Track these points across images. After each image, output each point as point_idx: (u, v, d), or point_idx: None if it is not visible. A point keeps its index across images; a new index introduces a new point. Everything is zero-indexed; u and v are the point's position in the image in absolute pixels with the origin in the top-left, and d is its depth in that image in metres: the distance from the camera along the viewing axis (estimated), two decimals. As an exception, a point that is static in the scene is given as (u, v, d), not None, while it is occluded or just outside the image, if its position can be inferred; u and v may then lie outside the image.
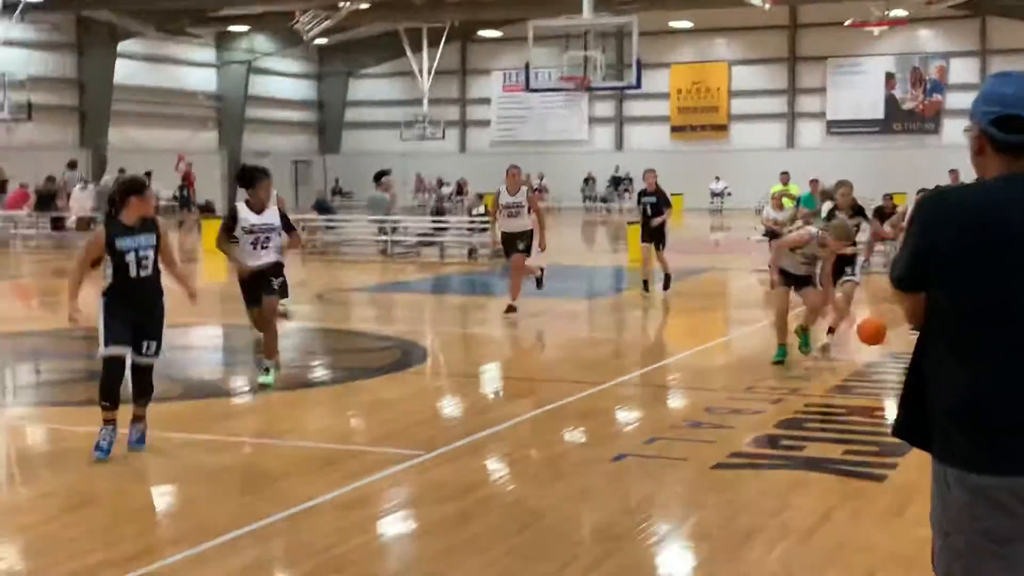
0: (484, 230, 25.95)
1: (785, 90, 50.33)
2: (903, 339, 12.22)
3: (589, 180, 51.10)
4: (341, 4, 38.05)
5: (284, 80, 54.48)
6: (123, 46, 43.44)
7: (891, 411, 3.03)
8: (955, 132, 44.25)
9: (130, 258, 7.39)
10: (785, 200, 21.65)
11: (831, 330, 11.88)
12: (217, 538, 5.93)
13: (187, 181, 42.09)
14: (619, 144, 53.12)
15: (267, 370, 10.19)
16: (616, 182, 50.17)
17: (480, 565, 5.62)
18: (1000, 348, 3.04)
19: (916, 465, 6.73)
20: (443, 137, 49.54)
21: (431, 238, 26.38)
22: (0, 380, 11.78)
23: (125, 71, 43.99)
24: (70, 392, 10.22)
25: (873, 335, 10.25)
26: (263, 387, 10.06)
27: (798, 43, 49.87)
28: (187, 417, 9.13)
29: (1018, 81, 3.12)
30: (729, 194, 47.29)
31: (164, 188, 39.44)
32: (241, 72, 50.52)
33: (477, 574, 5.52)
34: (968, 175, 3.49)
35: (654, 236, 17.24)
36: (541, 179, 52.26)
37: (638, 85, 29.80)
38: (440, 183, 49.85)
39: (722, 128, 51.30)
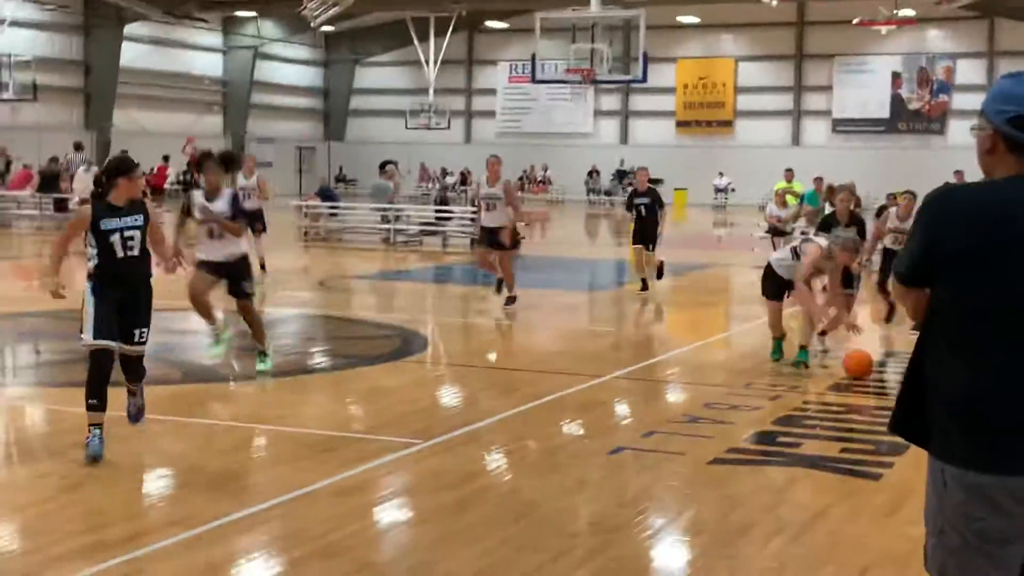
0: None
1: (791, 87, 50.25)
2: (902, 338, 12.28)
3: (593, 173, 51.08)
4: (349, -9, 38.00)
5: (290, 66, 54.43)
6: (130, 29, 43.41)
7: (889, 410, 3.04)
8: (961, 133, 44.20)
9: (115, 239, 7.12)
10: (789, 197, 21.64)
11: (823, 333, 11.81)
12: (211, 522, 5.93)
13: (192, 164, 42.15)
14: (624, 138, 53.07)
15: (262, 355, 10.21)
16: (620, 175, 50.14)
17: (474, 554, 5.62)
18: (1002, 347, 3.04)
19: (912, 464, 6.74)
20: (448, 127, 49.47)
21: (434, 227, 26.37)
22: (0, 360, 11.79)
23: (131, 54, 43.97)
24: (69, 373, 10.21)
25: (858, 366, 10.36)
26: (261, 374, 10.07)
27: (805, 41, 49.77)
28: (184, 401, 9.13)
29: (1033, 81, 3.12)
30: (733, 190, 47.29)
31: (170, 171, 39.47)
32: (247, 57, 50.50)
33: (471, 563, 5.52)
34: (973, 176, 3.48)
35: (648, 237, 16.84)
36: (545, 171, 52.31)
37: (644, 79, 29.76)
38: (444, 173, 49.84)
39: (727, 124, 51.24)
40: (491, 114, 55.16)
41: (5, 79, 35.81)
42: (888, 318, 13.59)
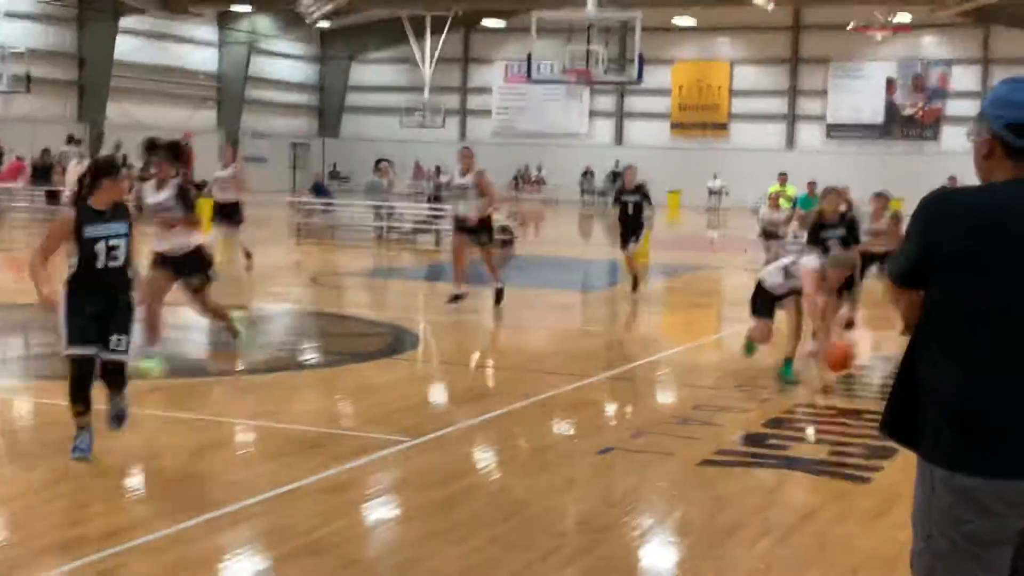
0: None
1: (786, 91, 50.31)
2: (892, 342, 12.28)
3: (587, 173, 51.09)
4: (345, -12, 38.00)
5: (285, 62, 54.37)
6: (125, 22, 43.33)
7: (878, 413, 3.03)
8: (954, 139, 44.30)
9: (99, 247, 6.72)
10: (782, 201, 21.67)
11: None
12: (197, 517, 5.90)
13: (187, 161, 42.00)
14: (619, 139, 53.09)
15: (233, 333, 10.49)
16: (615, 176, 50.06)
17: (462, 552, 5.60)
18: (996, 350, 3.03)
19: (901, 468, 6.73)
20: (443, 125, 49.46)
21: (427, 225, 26.35)
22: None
23: (126, 47, 43.88)
24: (57, 366, 10.15)
25: (839, 361, 10.16)
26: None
27: (801, 45, 49.83)
28: (172, 396, 9.11)
29: (1031, 87, 3.12)
30: (727, 193, 47.32)
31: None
32: (242, 53, 50.42)
33: (458, 561, 5.50)
34: (966, 182, 3.48)
35: (634, 232, 16.81)
36: (540, 171, 52.31)
37: (639, 80, 29.79)
38: (438, 171, 49.83)
39: (722, 127, 51.29)
40: (486, 113, 55.15)
41: (-1, 70, 35.75)
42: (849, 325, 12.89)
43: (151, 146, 9.97)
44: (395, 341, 12.26)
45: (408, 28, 46.67)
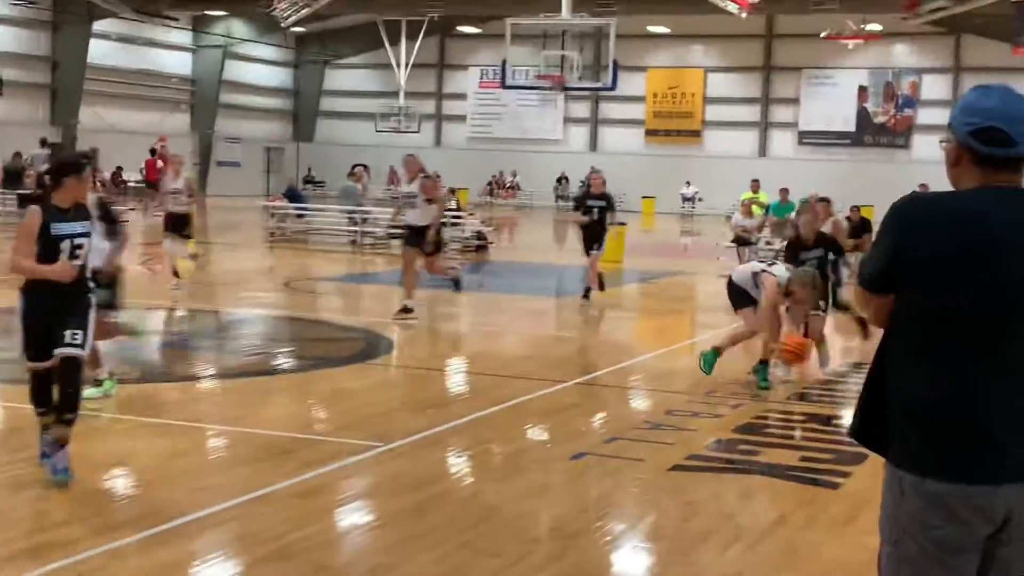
0: (455, 224, 25.99)
1: (759, 99, 50.57)
2: (864, 349, 12.35)
3: (562, 180, 51.14)
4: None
5: (260, 66, 54.20)
6: (98, 26, 43.10)
7: (849, 420, 3.07)
8: (925, 147, 44.65)
9: (64, 246, 6.46)
10: (754, 208, 21.78)
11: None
12: (168, 523, 5.87)
13: (165, 166, 41.78)
14: (593, 145, 53.20)
15: (131, 334, 10.01)
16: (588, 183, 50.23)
17: (433, 558, 5.60)
18: (964, 355, 3.05)
19: (870, 474, 6.78)
20: (418, 131, 49.43)
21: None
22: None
23: (99, 51, 43.65)
24: (20, 370, 10.09)
25: (794, 353, 10.11)
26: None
27: (773, 53, 50.11)
28: (144, 400, 9.05)
29: (999, 94, 3.13)
30: (700, 199, 47.50)
31: (135, 172, 39.22)
32: (217, 56, 50.23)
33: (429, 567, 5.50)
34: (938, 190, 3.50)
35: (597, 239, 16.46)
36: (514, 176, 52.35)
37: (613, 87, 29.86)
38: (436, 176, 49.71)
39: (696, 134, 51.48)
40: (461, 119, 55.16)
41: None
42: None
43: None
44: (368, 346, 12.25)
45: (383, 33, 46.64)
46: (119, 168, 41.64)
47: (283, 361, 11.74)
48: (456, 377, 11.44)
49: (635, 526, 6.42)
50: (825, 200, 16.30)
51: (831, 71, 48.92)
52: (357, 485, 6.99)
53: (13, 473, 6.76)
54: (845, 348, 13.28)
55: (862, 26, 41.07)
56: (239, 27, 50.37)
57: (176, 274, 16.16)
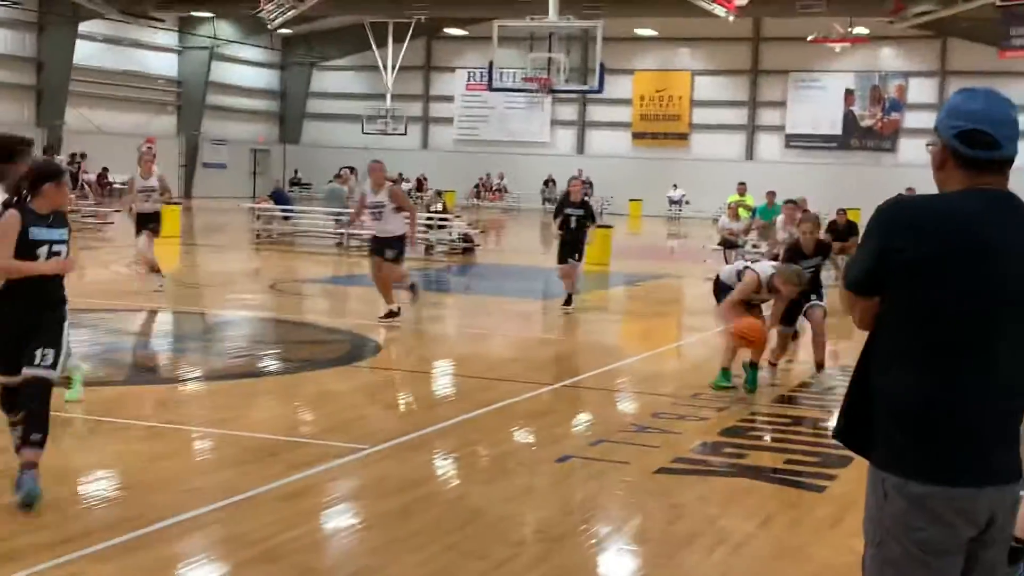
0: (442, 227, 25.99)
1: (746, 102, 50.67)
2: (851, 351, 12.37)
3: (549, 182, 51.16)
4: (307, -6, 37.86)
5: (246, 68, 54.09)
6: (84, 27, 42.95)
7: (834, 423, 3.10)
8: (912, 151, 44.82)
9: (41, 251, 6.19)
10: (741, 211, 21.83)
11: (772, 364, 11.20)
12: (151, 526, 5.85)
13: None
14: (580, 148, 53.25)
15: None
16: (576, 186, 50.23)
17: (417, 561, 5.59)
18: (949, 356, 3.06)
19: (856, 477, 6.78)
20: (405, 133, 49.41)
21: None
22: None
23: (85, 52, 43.50)
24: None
25: (744, 337, 9.92)
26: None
27: (760, 56, 50.22)
28: (127, 403, 9.03)
29: (985, 97, 3.15)
30: (687, 202, 47.58)
31: (120, 173, 39.06)
32: (203, 58, 50.11)
33: (414, 570, 5.49)
34: (925, 193, 3.51)
35: (575, 249, 15.86)
36: (502, 179, 52.36)
37: (600, 89, 29.90)
38: (400, 179, 49.75)
39: (683, 137, 51.56)
40: (448, 121, 55.17)
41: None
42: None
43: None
44: (354, 348, 12.24)
45: (370, 35, 46.60)
46: (105, 169, 41.51)
47: (269, 363, 11.71)
48: (442, 379, 11.43)
49: (620, 529, 6.42)
50: (792, 202, 16.19)
51: (818, 74, 49.05)
52: (343, 487, 6.97)
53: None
54: (831, 352, 13.30)
55: (849, 29, 41.20)
56: (225, 28, 50.25)
57: (156, 269, 15.90)
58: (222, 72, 51.86)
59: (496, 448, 8.11)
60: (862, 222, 13.60)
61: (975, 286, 3.04)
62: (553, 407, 9.74)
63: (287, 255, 24.65)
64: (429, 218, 26.37)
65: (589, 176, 49.80)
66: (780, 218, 14.79)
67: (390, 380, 11.19)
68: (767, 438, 8.87)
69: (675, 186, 48.28)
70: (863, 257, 3.19)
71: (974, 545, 3.13)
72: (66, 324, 6.41)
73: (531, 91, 30.65)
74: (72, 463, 7.15)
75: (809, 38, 42.09)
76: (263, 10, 37.62)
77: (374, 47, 46.91)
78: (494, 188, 52.39)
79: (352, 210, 26.43)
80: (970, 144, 3.10)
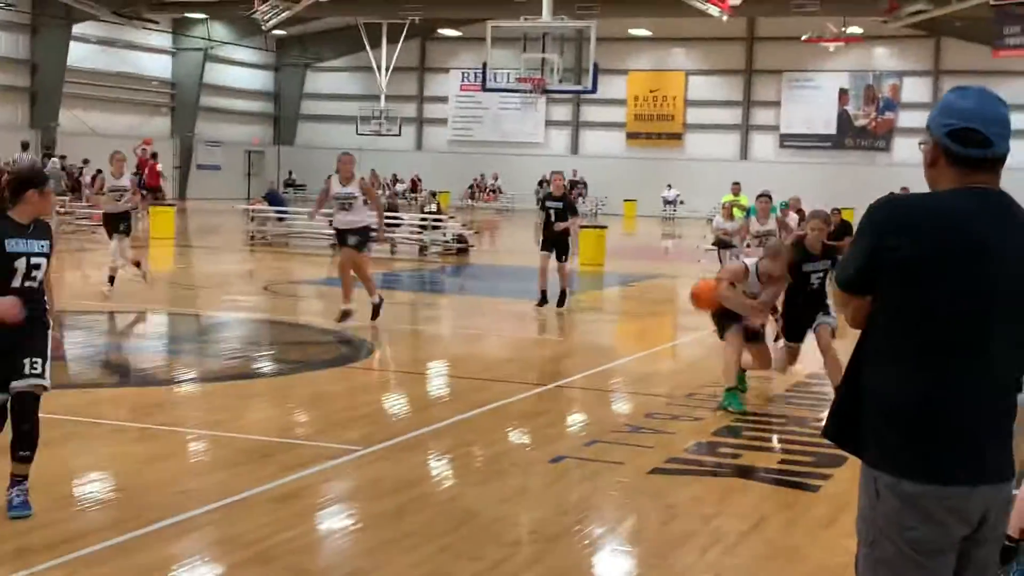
0: (436, 227, 25.97)
1: (740, 102, 50.71)
2: (847, 352, 12.38)
3: (543, 183, 51.10)
4: (301, -5, 37.83)
5: (240, 69, 54.06)
6: (78, 28, 42.91)
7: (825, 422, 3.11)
8: (906, 150, 44.84)
9: (19, 264, 5.88)
10: (736, 211, 21.78)
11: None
12: (145, 527, 5.85)
13: (142, 168, 41.55)
14: (575, 148, 53.27)
15: None
16: (571, 185, 50.26)
17: (410, 562, 5.59)
18: (942, 355, 3.06)
19: (850, 477, 6.79)
20: (399, 134, 49.41)
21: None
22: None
23: (79, 54, 43.46)
24: None
25: (697, 296, 9.62)
26: None
27: (755, 56, 50.27)
28: (121, 405, 9.02)
29: (977, 96, 3.15)
30: (681, 202, 47.61)
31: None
32: (197, 59, 50.09)
33: (408, 571, 5.49)
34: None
35: (556, 245, 15.70)
36: (496, 180, 52.35)
37: (594, 89, 29.92)
38: (395, 179, 49.76)
39: (677, 137, 51.60)
40: (443, 122, 55.17)
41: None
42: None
43: None
44: (349, 350, 12.23)
45: (364, 36, 46.59)
46: (99, 171, 41.41)
47: (263, 365, 11.70)
48: (436, 380, 11.42)
49: (614, 529, 6.42)
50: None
51: (812, 74, 49.11)
52: (337, 489, 6.97)
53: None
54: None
55: (843, 29, 41.24)
56: (219, 30, 50.23)
57: (137, 263, 15.64)
58: (216, 74, 51.83)
59: (490, 449, 8.10)
60: (856, 222, 13.61)
61: (968, 285, 3.04)
62: (547, 408, 9.73)
63: (281, 256, 24.63)
64: (423, 219, 26.35)
65: (583, 176, 49.92)
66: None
67: (384, 381, 11.18)
68: (761, 438, 8.86)
69: (669, 186, 48.30)
70: (855, 256, 3.19)
71: (967, 544, 3.13)
72: (48, 331, 6.15)
73: (525, 91, 30.64)
74: (67, 465, 7.14)
75: (803, 38, 42.13)
76: (257, 11, 37.58)
77: (368, 48, 46.90)
78: (489, 189, 52.39)
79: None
80: (962, 142, 3.10)
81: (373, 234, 13.86)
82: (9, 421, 5.99)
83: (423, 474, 7.45)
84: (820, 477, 7.46)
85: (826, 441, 3.42)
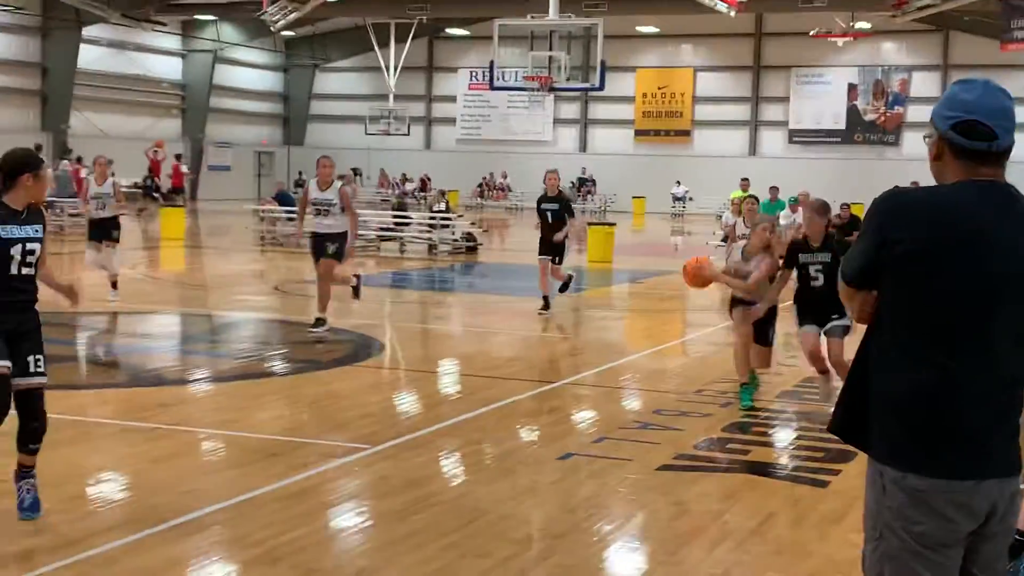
0: (445, 226, 25.99)
1: (749, 98, 50.58)
2: (850, 347, 12.35)
3: (551, 181, 51.14)
4: (309, -4, 37.86)
5: (250, 71, 54.12)
6: (88, 31, 43.00)
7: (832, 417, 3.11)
8: (915, 144, 44.69)
9: (15, 250, 5.84)
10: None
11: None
12: (154, 527, 5.87)
13: (154, 171, 41.66)
14: (583, 146, 53.22)
15: None
16: (580, 183, 50.29)
17: (418, 560, 5.59)
18: (948, 348, 3.06)
19: (859, 472, 6.77)
20: (408, 133, 49.40)
21: (392, 233, 26.30)
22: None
23: (89, 56, 43.56)
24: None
25: (687, 270, 9.59)
26: None
27: (763, 52, 50.13)
28: (130, 404, 9.04)
29: (981, 88, 3.14)
30: (690, 199, 47.54)
31: (125, 177, 39.05)
32: (207, 61, 50.16)
33: (415, 569, 5.49)
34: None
35: (553, 250, 15.12)
36: (505, 178, 52.35)
37: (601, 87, 29.82)
38: (404, 179, 49.79)
39: (685, 133, 51.50)
40: (451, 121, 55.15)
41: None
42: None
43: None
44: (357, 348, 12.24)
45: (372, 36, 46.62)
46: (84, 177, 41.52)
47: (273, 364, 11.71)
48: (445, 379, 11.43)
49: (623, 526, 6.41)
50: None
51: (821, 69, 48.96)
52: (345, 488, 6.98)
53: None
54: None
55: (851, 24, 41.12)
56: (228, 31, 50.30)
57: (114, 285, 14.89)
58: (226, 75, 51.90)
59: (498, 447, 8.10)
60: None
61: (973, 279, 3.03)
62: (555, 405, 9.73)
63: (291, 256, 24.64)
64: (432, 217, 26.37)
65: (592, 174, 49.87)
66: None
67: (392, 380, 11.19)
68: (769, 434, 8.85)
69: (678, 183, 48.21)
70: (861, 249, 3.19)
71: (974, 538, 3.13)
72: (39, 325, 6.11)
73: (532, 90, 30.56)
74: (75, 465, 7.16)
75: (811, 33, 42.03)
76: (266, 13, 37.63)
77: (376, 48, 46.93)
78: (497, 187, 52.38)
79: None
80: (967, 135, 3.09)
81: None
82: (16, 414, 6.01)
83: (431, 472, 7.45)
84: (829, 473, 7.44)
85: (833, 436, 3.41)
